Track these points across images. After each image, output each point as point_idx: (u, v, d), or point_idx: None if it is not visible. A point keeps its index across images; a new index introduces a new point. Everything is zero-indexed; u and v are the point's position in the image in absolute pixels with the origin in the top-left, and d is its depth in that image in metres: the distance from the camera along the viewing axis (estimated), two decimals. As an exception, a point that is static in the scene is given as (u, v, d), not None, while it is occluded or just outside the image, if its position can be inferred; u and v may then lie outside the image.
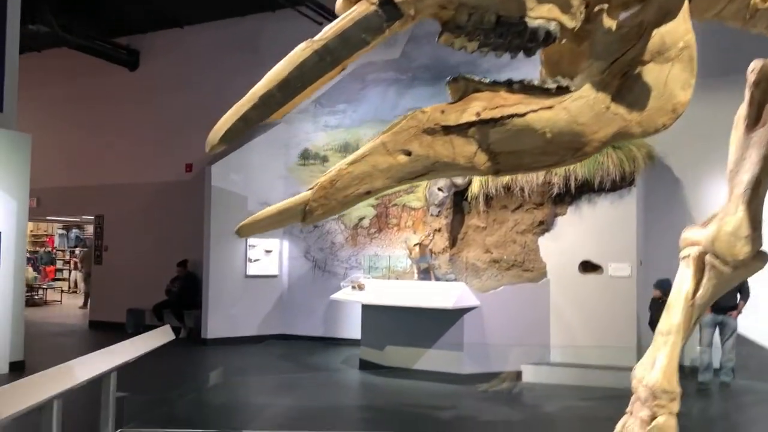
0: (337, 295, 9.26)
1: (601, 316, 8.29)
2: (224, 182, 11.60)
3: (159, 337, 5.25)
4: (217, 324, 11.34)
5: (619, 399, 7.07)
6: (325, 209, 2.12)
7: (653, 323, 7.42)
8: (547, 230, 8.72)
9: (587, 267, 8.56)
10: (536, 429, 6.26)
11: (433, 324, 8.19)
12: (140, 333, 12.23)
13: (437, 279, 8.84)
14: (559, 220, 8.69)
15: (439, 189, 9.02)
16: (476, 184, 8.97)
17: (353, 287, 8.87)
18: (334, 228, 11.71)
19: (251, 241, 11.73)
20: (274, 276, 11.99)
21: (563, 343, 8.43)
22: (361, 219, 11.52)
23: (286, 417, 6.59)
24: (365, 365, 8.99)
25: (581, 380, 7.99)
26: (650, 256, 8.57)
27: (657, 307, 7.48)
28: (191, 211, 12.32)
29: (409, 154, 2.11)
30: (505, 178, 8.69)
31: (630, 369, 3.25)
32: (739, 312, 7.65)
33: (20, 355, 8.59)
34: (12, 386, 2.65)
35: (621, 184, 8.36)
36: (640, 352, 8.10)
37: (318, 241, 11.82)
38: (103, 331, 12.90)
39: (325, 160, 11.90)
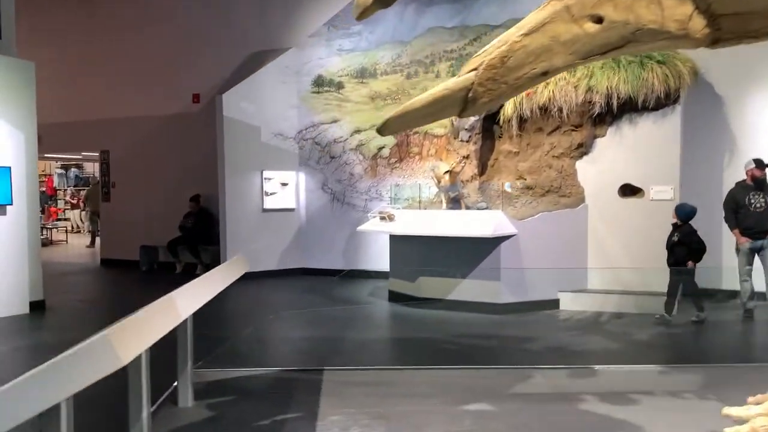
0: (364, 227, 8.90)
1: (642, 241, 7.98)
2: (236, 112, 11.06)
3: (235, 269, 4.87)
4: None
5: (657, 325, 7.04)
6: (493, 95, 1.68)
7: (668, 247, 7.22)
8: (585, 153, 8.30)
9: (627, 190, 8.20)
10: (573, 356, 6.04)
11: (469, 253, 7.88)
12: (154, 270, 12.18)
13: (467, 208, 8.46)
14: (599, 142, 8.26)
15: (470, 112, 8.52)
16: (510, 106, 8.47)
17: (382, 218, 8.50)
18: (351, 158, 11.26)
19: (267, 173, 11.31)
20: (292, 209, 11.61)
21: (602, 269, 8.15)
22: (380, 148, 11.05)
23: (330, 351, 6.35)
24: (395, 297, 8.74)
25: (620, 306, 7.78)
26: (691, 177, 8.19)
27: (672, 232, 7.23)
28: (201, 144, 11.84)
29: (600, 20, 1.60)
30: (543, 97, 8.21)
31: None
32: None
33: (40, 294, 8.28)
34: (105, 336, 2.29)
35: (665, 101, 7.90)
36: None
37: (336, 172, 11.39)
38: (117, 269, 12.64)
39: (340, 86, 11.33)
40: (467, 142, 8.67)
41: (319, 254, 11.47)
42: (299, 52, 11.56)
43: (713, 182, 8.46)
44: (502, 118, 8.67)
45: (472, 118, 8.47)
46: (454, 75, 9.64)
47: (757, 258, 7.32)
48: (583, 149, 8.28)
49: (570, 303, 8.06)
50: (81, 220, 22.07)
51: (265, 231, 11.33)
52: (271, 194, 11.38)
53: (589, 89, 7.96)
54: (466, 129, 8.47)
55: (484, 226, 7.55)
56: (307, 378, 5.15)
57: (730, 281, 7.84)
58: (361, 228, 8.93)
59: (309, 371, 5.34)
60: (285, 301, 9.26)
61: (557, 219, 8.11)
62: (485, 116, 8.67)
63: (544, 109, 8.29)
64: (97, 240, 17.50)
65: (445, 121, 10.37)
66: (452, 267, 8.01)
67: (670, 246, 7.22)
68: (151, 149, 12.68)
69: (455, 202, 8.65)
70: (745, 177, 7.38)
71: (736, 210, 7.34)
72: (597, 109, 7.95)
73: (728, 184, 7.77)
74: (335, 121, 11.36)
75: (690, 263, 7.10)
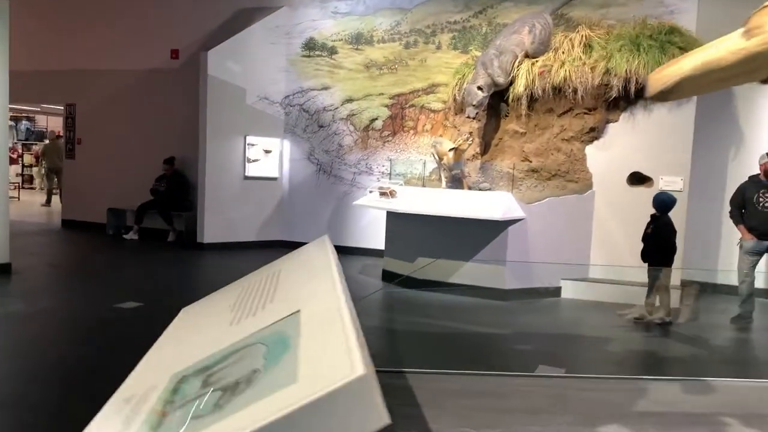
0: (362, 202, 8.44)
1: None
2: (220, 71, 10.37)
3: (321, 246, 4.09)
4: (214, 228, 10.44)
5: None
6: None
7: (643, 239, 6.70)
8: (596, 138, 8.02)
9: (636, 179, 7.98)
10: (569, 346, 5.80)
11: (474, 236, 7.54)
12: (122, 235, 11.45)
13: (469, 188, 8.10)
14: (610, 127, 7.99)
15: (479, 88, 8.12)
16: (521, 84, 8.11)
17: (383, 194, 8.07)
18: (341, 129, 10.73)
19: (250, 138, 10.69)
20: (274, 179, 11.05)
21: (605, 259, 7.94)
22: (373, 120, 10.56)
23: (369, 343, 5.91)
24: (390, 276, 8.36)
25: (621, 297, 7.58)
26: (702, 169, 8.04)
27: (648, 224, 6.72)
28: (179, 103, 11.12)
29: None
30: (558, 77, 7.87)
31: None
32: None
33: (6, 257, 7.57)
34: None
35: (683, 90, 7.65)
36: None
37: (323, 142, 10.85)
38: (81, 231, 11.85)
39: (333, 51, 10.74)
40: (473, 119, 8.27)
41: (301, 227, 10.97)
42: (291, 12, 10.90)
43: (723, 176, 8.35)
44: (511, 95, 8.30)
45: (482, 94, 8.06)
46: (456, 48, 9.10)
47: (762, 261, 6.93)
48: (594, 134, 7.99)
49: (571, 291, 7.85)
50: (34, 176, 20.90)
51: (246, 200, 10.75)
52: (253, 161, 10.78)
53: (607, 72, 7.65)
54: (474, 105, 8.06)
55: (493, 209, 7.21)
56: (388, 382, 4.18)
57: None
58: (358, 203, 8.46)
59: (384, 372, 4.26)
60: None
61: (564, 204, 7.84)
62: (493, 93, 8.27)
63: (558, 90, 7.95)
64: (54, 199, 16.52)
65: (443, 95, 9.96)
66: (455, 249, 7.66)
67: (644, 238, 6.70)
68: (122, 106, 11.85)
69: (456, 182, 8.27)
70: (758, 171, 7.16)
71: (742, 206, 6.94)
72: (614, 93, 7.65)
73: (735, 179, 7.63)
74: (326, 88, 10.79)
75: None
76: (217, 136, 10.36)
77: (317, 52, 10.82)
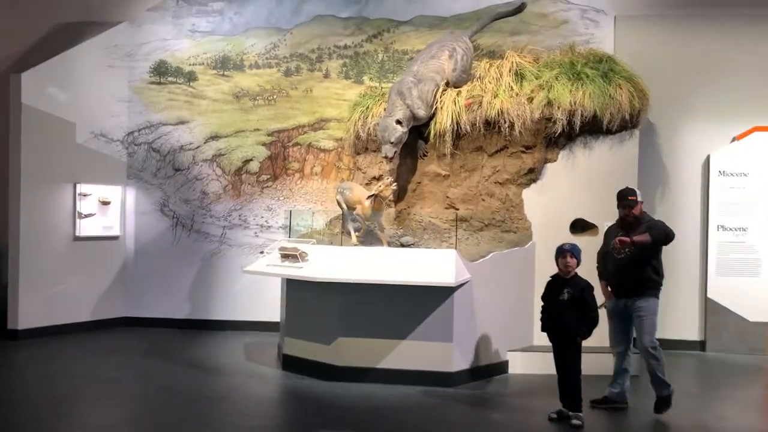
0: (257, 268, 6.39)
1: (597, 285, 6.67)
2: (39, 100, 7.85)
3: None
4: (33, 308, 7.73)
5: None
6: None
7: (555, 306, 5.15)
8: (534, 180, 6.86)
9: (580, 227, 6.93)
10: None
11: (412, 306, 5.92)
12: None
13: (388, 244, 6.51)
14: (549, 167, 6.88)
15: (398, 122, 6.63)
16: (445, 119, 6.75)
17: (286, 256, 6.16)
18: (205, 172, 8.63)
19: (82, 187, 8.19)
20: (115, 238, 8.57)
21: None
22: (246, 161, 8.59)
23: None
24: (293, 364, 6.43)
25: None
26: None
27: (553, 284, 5.24)
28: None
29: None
30: (493, 111, 6.62)
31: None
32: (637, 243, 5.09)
33: None
34: None
35: (625, 125, 6.79)
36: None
37: (181, 189, 8.64)
38: None
39: (191, 77, 8.67)
40: (390, 159, 6.72)
41: (153, 299, 8.59)
42: (133, 29, 8.67)
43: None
44: (432, 131, 6.91)
45: (401, 129, 6.57)
46: (347, 77, 7.48)
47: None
48: (533, 175, 6.83)
49: (520, 365, 6.51)
50: None
51: (77, 267, 8.16)
52: (87, 216, 8.25)
53: (549, 103, 6.56)
54: (392, 143, 6.53)
55: (443, 271, 5.66)
56: None
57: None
58: (250, 269, 6.40)
59: None
60: (104, 371, 6.32)
61: (510, 259, 6.52)
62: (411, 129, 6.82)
63: (490, 124, 6.70)
64: None
65: (335, 131, 8.37)
66: (388, 324, 5.98)
67: (556, 307, 5.10)
68: None
69: (369, 236, 6.64)
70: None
71: (604, 253, 5.49)
72: (558, 128, 6.56)
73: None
74: (183, 123, 8.65)
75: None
76: (35, 185, 7.75)
77: (170, 78, 8.67)
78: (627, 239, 5.12)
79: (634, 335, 5.36)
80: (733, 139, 7.88)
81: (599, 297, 5.36)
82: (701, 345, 7.85)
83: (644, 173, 7.22)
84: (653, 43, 7.90)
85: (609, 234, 5.51)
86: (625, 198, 5.27)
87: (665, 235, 5.14)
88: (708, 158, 7.87)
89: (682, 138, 7.95)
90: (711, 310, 7.78)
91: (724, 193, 7.79)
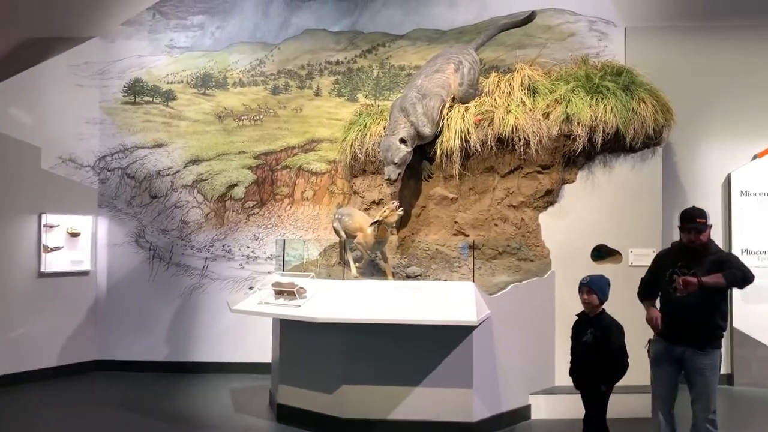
0: (246, 307, 5.63)
1: (621, 318, 6.03)
2: (1, 122, 7.10)
3: None
4: (-9, 355, 6.88)
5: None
6: None
7: (577, 352, 4.59)
8: (551, 203, 6.26)
9: (602, 253, 6.33)
10: None
11: (427, 348, 5.24)
12: None
13: (392, 275, 5.83)
14: (567, 189, 6.29)
15: (402, 141, 6.01)
16: (453, 138, 6.14)
17: (280, 293, 5.43)
18: (185, 199, 7.89)
19: (48, 218, 7.40)
20: (85, 273, 7.76)
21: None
22: (231, 187, 7.88)
23: None
24: (290, 415, 5.67)
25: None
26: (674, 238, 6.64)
27: (579, 325, 4.67)
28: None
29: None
30: (506, 128, 6.02)
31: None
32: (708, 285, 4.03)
33: None
34: None
35: (648, 142, 6.24)
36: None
37: (159, 218, 7.89)
38: None
39: (169, 97, 7.98)
40: (393, 182, 6.09)
41: (127, 339, 7.78)
42: (105, 45, 7.97)
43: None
44: (438, 151, 6.30)
45: (405, 148, 5.95)
46: (340, 94, 6.78)
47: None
48: (550, 198, 6.23)
49: (544, 410, 5.84)
50: None
51: (43, 306, 7.34)
52: (53, 250, 7.45)
53: (567, 119, 5.99)
54: (395, 163, 5.90)
55: (463, 308, 4.98)
56: None
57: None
58: (239, 308, 5.65)
59: None
60: (71, 426, 5.54)
61: (528, 291, 5.88)
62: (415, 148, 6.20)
63: (504, 143, 6.11)
64: None
65: (328, 153, 7.72)
66: (399, 369, 5.28)
67: (580, 350, 4.56)
68: None
69: (370, 267, 5.98)
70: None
71: (649, 282, 4.59)
72: (579, 146, 5.98)
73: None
74: (160, 146, 7.93)
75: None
76: (-6, 216, 6.97)
77: (146, 98, 7.96)
78: (694, 280, 4.02)
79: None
80: (755, 157, 7.39)
81: (635, 338, 4.66)
82: (728, 379, 7.26)
83: (663, 194, 6.68)
84: (667, 56, 7.42)
85: (662, 262, 4.51)
86: (692, 220, 4.19)
87: (743, 278, 4.06)
88: (729, 177, 7.38)
89: (701, 156, 7.46)
90: (738, 341, 7.22)
91: (747, 214, 7.29)
